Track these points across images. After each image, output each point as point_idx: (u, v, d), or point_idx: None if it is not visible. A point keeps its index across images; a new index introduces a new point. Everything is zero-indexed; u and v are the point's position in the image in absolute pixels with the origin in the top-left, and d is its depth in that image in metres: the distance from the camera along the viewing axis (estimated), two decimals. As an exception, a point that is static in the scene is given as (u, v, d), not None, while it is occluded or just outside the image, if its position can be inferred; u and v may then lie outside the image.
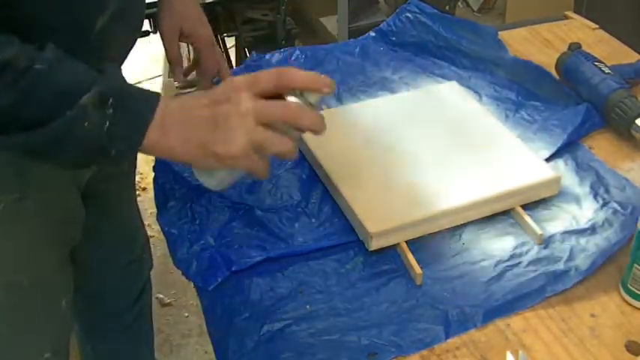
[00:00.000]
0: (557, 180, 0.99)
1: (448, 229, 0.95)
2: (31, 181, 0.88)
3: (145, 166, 2.51)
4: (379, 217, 0.91)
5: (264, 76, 0.72)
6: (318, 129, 0.74)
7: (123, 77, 0.77)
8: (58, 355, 1.06)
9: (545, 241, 0.93)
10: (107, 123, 0.68)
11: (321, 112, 1.15)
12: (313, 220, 0.97)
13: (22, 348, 1.00)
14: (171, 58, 1.11)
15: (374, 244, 0.91)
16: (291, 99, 0.72)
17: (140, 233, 1.35)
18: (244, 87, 0.71)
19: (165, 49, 1.10)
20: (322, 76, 0.74)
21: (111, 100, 0.68)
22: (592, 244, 0.92)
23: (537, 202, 0.99)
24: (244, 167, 0.73)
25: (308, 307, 0.85)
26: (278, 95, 0.72)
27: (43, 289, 0.98)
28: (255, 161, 0.72)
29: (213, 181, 0.76)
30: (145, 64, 3.20)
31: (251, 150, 0.70)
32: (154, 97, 0.71)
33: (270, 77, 0.72)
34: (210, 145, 0.70)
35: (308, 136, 1.06)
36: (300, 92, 0.73)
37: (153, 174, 1.09)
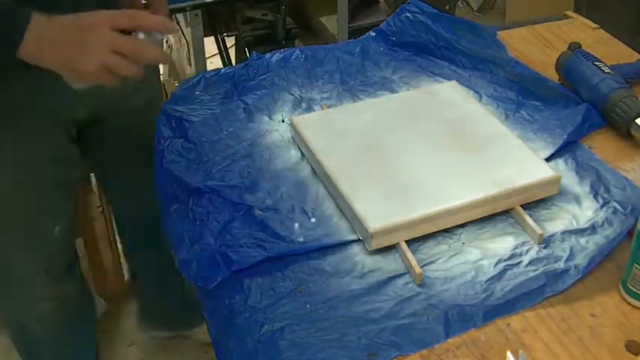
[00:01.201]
0: (557, 179, 0.99)
1: (448, 228, 0.95)
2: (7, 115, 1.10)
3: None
4: (379, 216, 0.91)
5: (123, 16, 0.93)
6: (160, 61, 1.04)
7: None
8: (49, 273, 1.31)
9: (545, 241, 0.93)
10: None
11: (321, 111, 1.16)
12: (313, 220, 0.97)
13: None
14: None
15: (374, 244, 0.91)
16: (141, 35, 0.94)
17: None
18: (107, 21, 0.91)
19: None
20: (166, 19, 0.98)
21: None
22: (592, 244, 0.92)
23: (537, 201, 0.99)
24: (97, 81, 0.93)
25: (308, 306, 0.85)
26: (131, 31, 0.94)
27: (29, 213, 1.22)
28: (105, 77, 0.92)
29: (77, 84, 0.96)
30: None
31: (104, 70, 0.91)
32: (24, 18, 0.89)
33: (127, 18, 0.93)
34: (72, 62, 0.91)
35: (309, 136, 1.06)
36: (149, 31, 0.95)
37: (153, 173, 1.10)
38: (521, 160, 1.01)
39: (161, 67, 2.77)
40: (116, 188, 1.50)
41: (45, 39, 0.90)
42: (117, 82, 0.93)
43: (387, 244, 0.92)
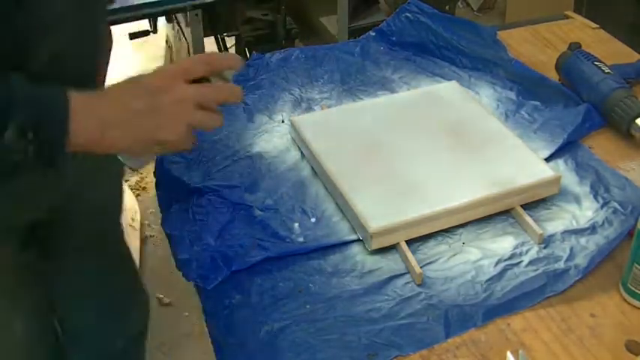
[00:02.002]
0: (557, 180, 0.99)
1: (448, 228, 0.95)
2: None
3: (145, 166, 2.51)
4: (379, 216, 0.91)
5: (192, 65, 0.79)
6: (240, 99, 0.84)
7: (28, 84, 0.71)
8: None
9: (545, 241, 0.93)
10: (30, 148, 0.69)
11: (321, 111, 1.16)
12: (313, 220, 0.97)
13: None
14: None
15: (374, 244, 0.91)
16: (213, 79, 0.81)
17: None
18: (178, 76, 0.76)
19: None
20: (229, 54, 0.81)
21: (30, 129, 0.68)
22: (592, 244, 0.92)
23: (537, 201, 0.99)
24: (183, 148, 0.80)
25: (308, 306, 0.85)
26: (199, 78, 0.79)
27: None
28: (190, 141, 0.79)
29: (138, 162, 0.82)
30: (144, 63, 3.19)
31: (189, 132, 0.77)
32: (63, 101, 0.71)
33: (198, 66, 0.78)
34: (153, 134, 0.75)
35: (309, 136, 1.06)
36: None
37: (153, 173, 1.09)
38: (521, 160, 1.01)
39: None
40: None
41: (109, 119, 0.73)
42: (195, 143, 0.81)
43: (387, 244, 0.92)
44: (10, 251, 0.96)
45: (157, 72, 0.78)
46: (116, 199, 1.17)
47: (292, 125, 1.11)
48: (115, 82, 0.76)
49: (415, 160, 1.02)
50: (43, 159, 0.70)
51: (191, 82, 0.77)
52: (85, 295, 1.15)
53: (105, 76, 0.94)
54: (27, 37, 0.75)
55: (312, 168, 1.06)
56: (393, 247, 0.92)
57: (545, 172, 0.99)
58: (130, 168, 0.84)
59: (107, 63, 0.95)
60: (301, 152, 1.09)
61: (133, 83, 0.76)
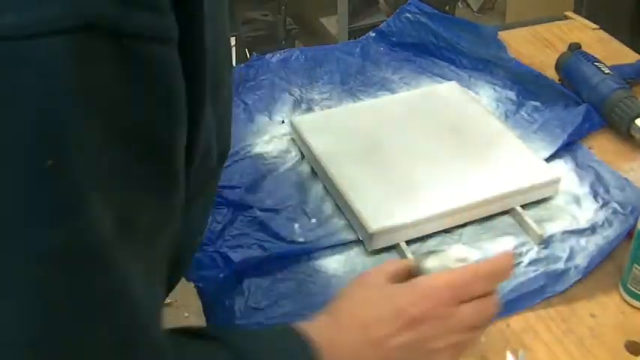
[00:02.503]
0: (556, 181, 0.99)
1: (448, 229, 0.95)
2: None
3: None
4: (379, 216, 0.91)
5: (476, 281, 0.62)
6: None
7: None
8: None
9: (545, 241, 0.93)
10: None
11: (322, 111, 1.16)
12: (313, 220, 0.97)
13: None
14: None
15: (374, 244, 0.91)
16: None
17: None
18: (451, 301, 0.60)
19: None
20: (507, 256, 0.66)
21: None
22: (592, 244, 0.92)
23: (537, 202, 0.99)
24: None
25: (308, 307, 0.85)
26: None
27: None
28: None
29: None
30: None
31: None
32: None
33: (483, 282, 0.62)
34: None
35: (309, 136, 1.06)
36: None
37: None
38: (521, 161, 1.01)
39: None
40: None
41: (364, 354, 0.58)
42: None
43: (386, 244, 0.92)
44: None
45: (420, 289, 0.60)
46: None
47: (293, 126, 1.11)
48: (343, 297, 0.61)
49: (415, 160, 1.02)
50: None
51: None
52: None
53: None
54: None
55: (313, 168, 1.06)
56: (392, 248, 0.92)
57: (545, 173, 0.99)
58: None
59: None
60: (301, 152, 1.09)
61: (388, 309, 0.58)
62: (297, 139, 1.10)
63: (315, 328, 0.59)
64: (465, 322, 0.60)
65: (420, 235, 0.93)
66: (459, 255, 0.65)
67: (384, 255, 0.92)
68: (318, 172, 1.04)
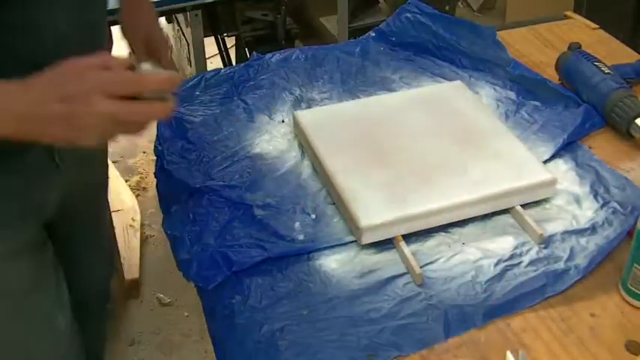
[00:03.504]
0: (553, 182, 0.99)
1: (448, 228, 0.95)
2: None
3: (145, 166, 2.51)
4: (371, 211, 0.92)
5: (115, 83, 0.73)
6: (169, 115, 0.77)
7: None
8: None
9: (546, 241, 0.93)
10: None
11: (324, 107, 1.16)
12: (313, 221, 0.97)
13: None
14: (139, 59, 1.13)
15: (364, 239, 0.91)
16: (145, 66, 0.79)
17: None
18: (96, 89, 0.71)
19: (132, 50, 1.15)
20: (171, 74, 0.78)
21: None
22: (592, 244, 0.92)
23: (537, 201, 0.99)
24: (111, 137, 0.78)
25: (308, 307, 0.85)
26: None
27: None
28: (112, 131, 0.75)
29: None
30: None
31: (106, 132, 0.74)
32: None
33: (119, 85, 0.73)
34: (67, 139, 0.73)
35: (310, 132, 1.06)
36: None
37: (154, 174, 1.10)
38: (518, 161, 1.01)
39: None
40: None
41: (24, 115, 0.72)
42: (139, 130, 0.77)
43: (378, 239, 0.92)
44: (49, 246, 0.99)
45: (76, 76, 0.72)
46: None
47: (294, 120, 1.11)
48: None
49: (414, 157, 1.02)
50: None
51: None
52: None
53: None
54: (30, 60, 0.75)
55: (313, 167, 1.06)
56: (392, 248, 0.92)
57: (541, 174, 0.99)
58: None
59: None
60: (301, 152, 1.09)
61: (56, 78, 0.72)
62: (299, 133, 1.10)
63: None
64: (104, 111, 0.71)
65: (413, 230, 0.93)
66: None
67: (384, 255, 0.92)
68: (316, 166, 1.04)
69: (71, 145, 0.74)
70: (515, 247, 0.92)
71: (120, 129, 0.75)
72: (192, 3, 1.89)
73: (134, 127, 0.76)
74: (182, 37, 2.25)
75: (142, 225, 2.24)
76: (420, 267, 0.88)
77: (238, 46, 2.37)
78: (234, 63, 2.35)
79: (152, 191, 2.38)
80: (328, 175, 0.99)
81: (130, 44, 1.15)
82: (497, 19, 3.33)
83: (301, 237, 0.94)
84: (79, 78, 0.72)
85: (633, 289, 0.84)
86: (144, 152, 2.59)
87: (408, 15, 1.35)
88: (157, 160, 1.11)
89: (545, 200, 0.99)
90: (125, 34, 1.15)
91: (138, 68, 0.78)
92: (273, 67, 1.28)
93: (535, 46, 1.36)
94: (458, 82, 1.21)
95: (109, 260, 1.39)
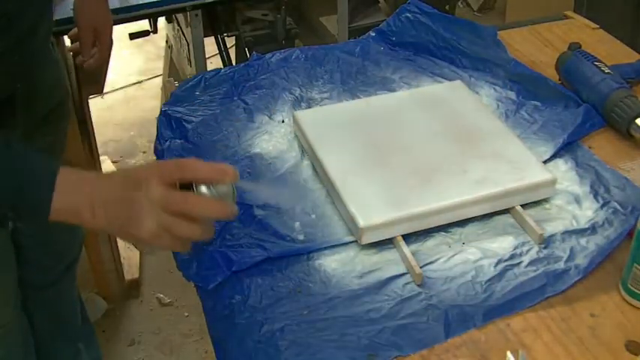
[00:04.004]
0: (553, 182, 0.99)
1: (448, 228, 0.95)
2: None
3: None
4: (370, 211, 0.92)
5: (168, 167, 0.80)
6: (223, 216, 0.83)
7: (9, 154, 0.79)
8: None
9: (546, 241, 0.93)
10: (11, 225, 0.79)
11: (325, 106, 1.16)
12: (313, 221, 0.97)
13: None
14: (84, 48, 1.35)
15: (364, 239, 0.91)
16: (203, 189, 0.78)
17: None
18: (155, 175, 0.77)
19: (80, 40, 1.35)
20: (223, 165, 0.81)
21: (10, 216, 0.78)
22: (592, 244, 0.92)
23: (537, 201, 0.99)
24: (158, 246, 0.80)
25: (308, 306, 0.85)
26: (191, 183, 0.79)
27: None
28: (167, 241, 0.78)
29: (149, 248, 0.87)
30: (144, 63, 3.20)
31: (161, 232, 0.77)
32: (49, 180, 0.76)
33: (172, 170, 0.79)
34: (126, 226, 0.77)
35: (309, 132, 1.06)
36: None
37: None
38: (518, 161, 1.01)
39: (161, 67, 2.78)
40: None
41: (98, 202, 0.77)
42: (185, 249, 0.82)
43: (377, 239, 0.92)
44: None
45: (143, 167, 0.84)
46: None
47: (294, 120, 1.11)
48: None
49: (414, 156, 1.02)
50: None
51: (178, 186, 0.78)
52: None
53: (49, 34, 1.13)
54: None
55: (313, 167, 1.06)
56: (392, 248, 0.92)
57: (541, 174, 0.99)
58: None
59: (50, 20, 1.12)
60: (301, 152, 1.09)
61: (125, 172, 0.84)
62: (299, 133, 1.10)
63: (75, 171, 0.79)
64: (154, 196, 0.76)
65: (413, 230, 0.93)
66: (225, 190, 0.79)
67: (384, 255, 0.92)
68: (316, 166, 1.04)
69: (132, 239, 0.79)
70: (516, 247, 0.92)
71: (175, 222, 0.77)
72: (192, 3, 1.89)
73: (189, 226, 0.78)
74: (182, 37, 2.25)
75: (141, 225, 2.23)
76: (420, 267, 0.88)
77: (238, 46, 2.37)
78: (234, 63, 2.35)
79: (152, 191, 2.38)
80: (328, 175, 0.99)
81: (78, 32, 1.35)
82: (497, 19, 3.33)
83: (301, 237, 0.94)
84: (139, 169, 0.84)
85: (633, 289, 0.84)
86: (144, 152, 2.59)
87: (408, 15, 1.35)
88: (156, 157, 1.11)
89: (545, 200, 0.99)
90: (78, 21, 1.33)
91: (196, 190, 0.79)
92: (273, 67, 1.28)
93: (535, 46, 1.36)
94: (458, 82, 1.21)
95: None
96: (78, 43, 1.37)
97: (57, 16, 1.53)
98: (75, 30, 1.37)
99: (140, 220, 0.76)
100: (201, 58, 2.08)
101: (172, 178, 0.78)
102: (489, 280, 0.88)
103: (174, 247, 0.80)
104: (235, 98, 1.21)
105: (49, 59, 1.22)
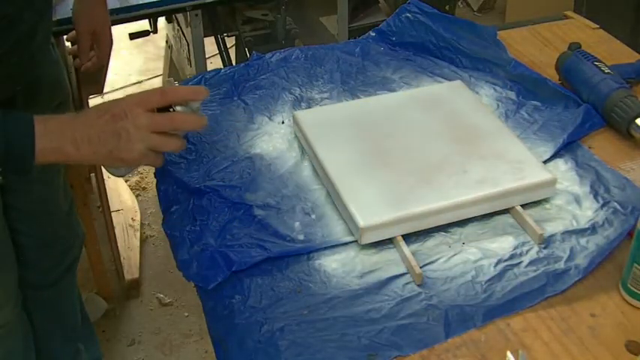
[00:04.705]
0: (553, 182, 0.99)
1: (448, 228, 0.95)
2: None
3: (145, 166, 2.51)
4: (370, 211, 0.92)
5: (154, 95, 0.92)
6: (199, 128, 0.98)
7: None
8: None
9: (546, 241, 0.93)
10: None
11: (325, 106, 1.16)
12: (313, 221, 0.97)
13: None
14: (82, 52, 1.38)
15: (364, 239, 0.91)
16: (178, 108, 0.94)
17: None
18: (138, 104, 0.89)
19: (79, 44, 1.38)
20: (197, 87, 0.97)
21: None
22: (592, 244, 0.92)
23: (537, 201, 0.99)
24: (145, 164, 0.94)
25: (308, 306, 0.85)
26: (167, 106, 0.93)
27: None
28: (152, 158, 0.92)
29: (119, 172, 0.98)
30: (144, 63, 3.20)
31: (148, 152, 0.90)
32: (29, 129, 0.85)
33: (158, 96, 0.92)
34: (116, 153, 0.89)
35: (309, 132, 1.06)
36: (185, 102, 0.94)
37: (153, 174, 1.10)
38: (518, 161, 1.01)
39: (161, 66, 2.78)
40: None
41: (80, 138, 0.87)
42: (162, 162, 0.94)
43: (377, 239, 0.92)
44: None
45: (121, 100, 0.91)
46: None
47: (294, 120, 1.11)
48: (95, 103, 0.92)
49: (414, 156, 1.02)
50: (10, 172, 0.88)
51: (156, 110, 0.91)
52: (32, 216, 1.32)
53: (49, 35, 1.16)
54: None
55: (313, 167, 1.06)
56: (392, 248, 0.92)
57: (541, 174, 0.99)
58: (114, 174, 1.00)
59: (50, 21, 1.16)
60: (301, 152, 1.09)
61: (101, 108, 0.89)
62: (298, 133, 1.10)
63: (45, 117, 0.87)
64: (142, 122, 0.88)
65: (413, 230, 0.93)
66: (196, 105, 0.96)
67: (384, 255, 0.92)
68: (316, 166, 1.04)
69: (121, 163, 0.91)
70: (515, 247, 0.92)
71: (162, 140, 0.90)
72: (192, 3, 1.89)
73: (172, 141, 0.92)
74: (182, 37, 2.25)
75: (141, 225, 2.24)
76: (420, 267, 0.88)
77: (238, 46, 2.37)
78: (234, 63, 2.35)
79: (152, 191, 2.38)
80: (328, 175, 0.99)
81: (77, 34, 1.37)
82: (497, 19, 3.34)
83: (301, 237, 0.94)
84: (119, 103, 0.90)
85: (633, 289, 0.84)
86: (144, 152, 2.59)
87: (408, 15, 1.35)
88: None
89: (545, 200, 0.99)
90: (76, 24, 1.35)
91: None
92: (273, 67, 1.28)
93: (535, 46, 1.36)
94: (458, 82, 1.21)
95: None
96: (77, 45, 1.39)
97: (57, 17, 1.53)
98: (74, 33, 1.39)
99: (131, 144, 0.88)
100: (201, 58, 2.08)
101: (155, 105, 0.91)
102: (489, 280, 0.88)
103: (155, 162, 0.93)
104: (235, 98, 1.21)
105: (49, 60, 1.22)
